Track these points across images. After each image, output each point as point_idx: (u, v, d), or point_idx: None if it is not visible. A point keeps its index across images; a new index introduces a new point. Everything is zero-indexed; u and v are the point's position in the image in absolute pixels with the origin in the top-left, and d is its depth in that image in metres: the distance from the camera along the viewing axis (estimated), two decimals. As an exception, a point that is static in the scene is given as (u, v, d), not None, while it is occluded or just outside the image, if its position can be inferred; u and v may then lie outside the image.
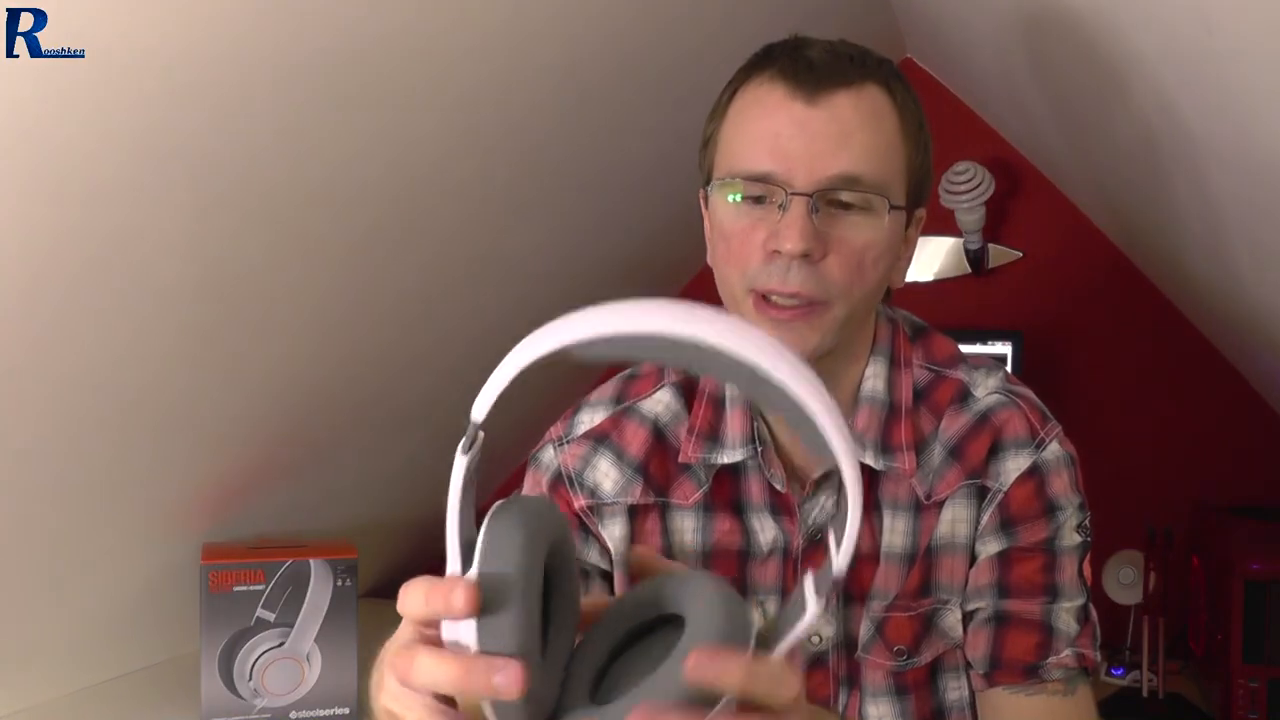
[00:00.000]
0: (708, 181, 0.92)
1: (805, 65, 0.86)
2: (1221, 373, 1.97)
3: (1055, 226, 2.03)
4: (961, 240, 2.01)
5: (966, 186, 1.89)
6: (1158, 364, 2.00)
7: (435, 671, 0.55)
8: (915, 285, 2.07)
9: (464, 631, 0.55)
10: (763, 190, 0.85)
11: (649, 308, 0.52)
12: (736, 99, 0.90)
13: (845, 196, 0.84)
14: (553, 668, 0.58)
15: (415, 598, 0.57)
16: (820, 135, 0.84)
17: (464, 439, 0.58)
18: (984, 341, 1.90)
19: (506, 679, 0.53)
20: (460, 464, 0.58)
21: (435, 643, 0.57)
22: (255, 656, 1.42)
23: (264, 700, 1.43)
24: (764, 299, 0.86)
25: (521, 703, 0.54)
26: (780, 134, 0.85)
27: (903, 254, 0.92)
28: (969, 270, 2.05)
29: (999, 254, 2.04)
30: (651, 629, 0.60)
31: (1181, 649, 1.85)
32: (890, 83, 0.88)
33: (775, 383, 0.51)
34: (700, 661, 0.53)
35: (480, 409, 0.57)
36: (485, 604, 0.55)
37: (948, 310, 2.03)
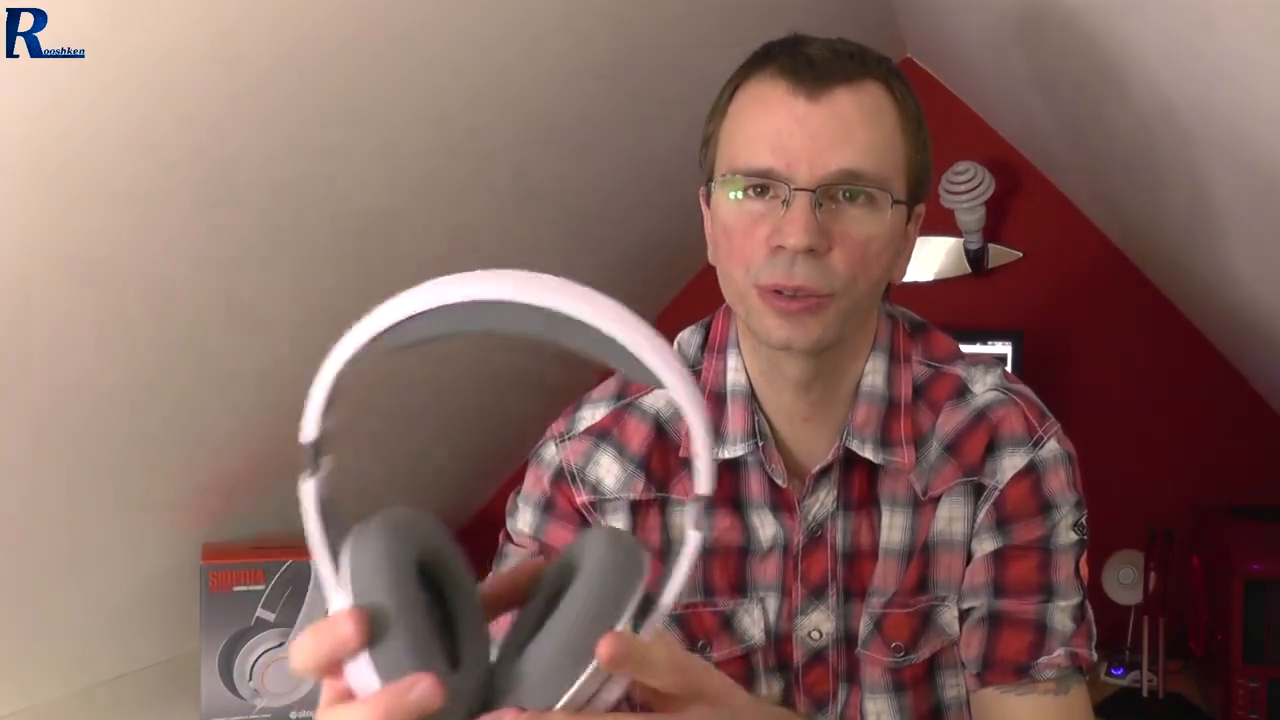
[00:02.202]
0: (709, 179, 0.92)
1: (805, 62, 0.86)
2: (1221, 373, 1.97)
3: (1055, 226, 2.03)
4: (961, 240, 2.01)
5: (966, 186, 1.89)
6: (1158, 364, 2.00)
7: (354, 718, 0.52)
8: (915, 285, 2.07)
9: (363, 673, 0.52)
10: (765, 186, 0.86)
11: (446, 282, 0.51)
12: (737, 97, 0.90)
13: (847, 190, 0.85)
14: (472, 667, 0.55)
15: (303, 645, 0.53)
16: (822, 131, 0.85)
17: (306, 465, 0.53)
18: (984, 341, 1.90)
19: (422, 692, 0.50)
20: (307, 492, 0.55)
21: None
22: (255, 656, 1.42)
23: (264, 700, 1.43)
24: (770, 291, 0.86)
25: (448, 711, 0.51)
26: (782, 130, 0.85)
27: (903, 249, 0.93)
28: (969, 270, 2.05)
29: (999, 254, 2.04)
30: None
31: (1181, 649, 1.85)
32: (890, 80, 0.89)
33: (580, 319, 0.51)
34: (613, 643, 0.52)
35: (308, 429, 0.54)
36: (372, 636, 0.52)
37: (948, 310, 2.03)
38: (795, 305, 0.86)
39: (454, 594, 0.57)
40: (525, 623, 0.58)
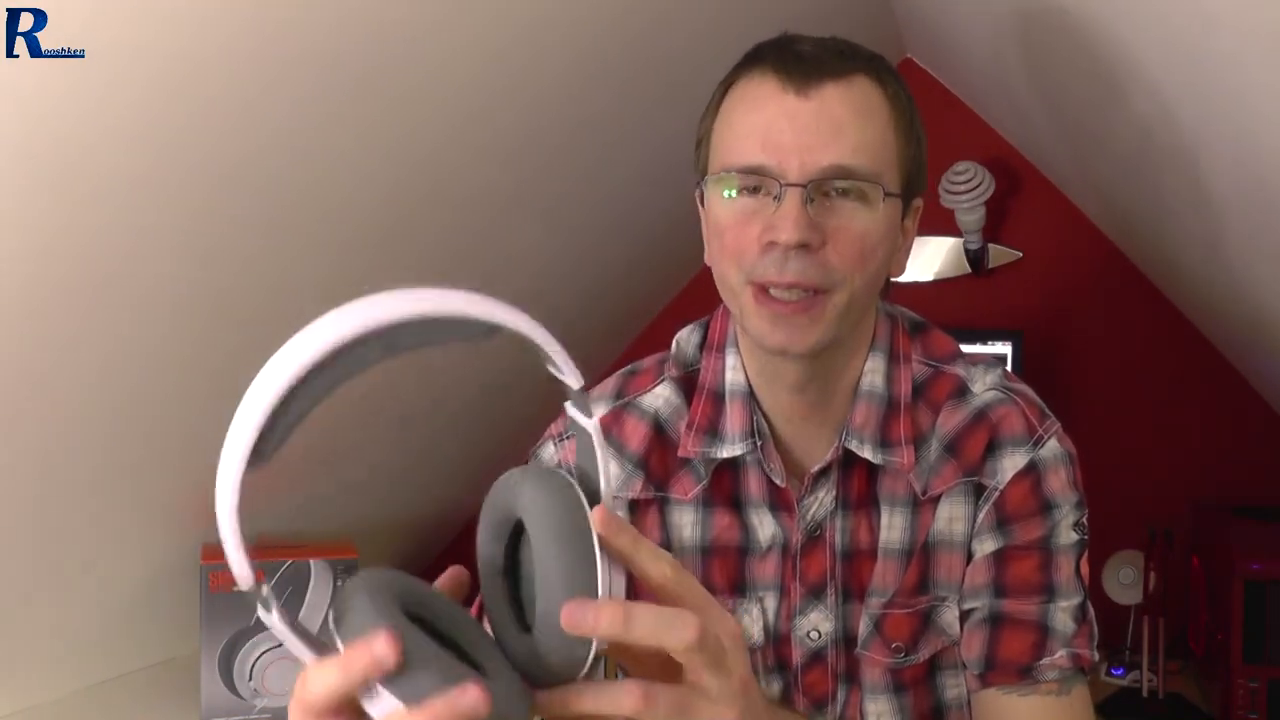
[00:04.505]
0: (703, 178, 0.92)
1: (795, 59, 0.86)
2: (1221, 373, 1.97)
3: (1055, 226, 2.03)
4: (961, 240, 2.01)
5: (966, 186, 1.89)
6: (1158, 364, 2.00)
7: None
8: (915, 285, 2.07)
9: (389, 703, 0.51)
10: (757, 183, 0.86)
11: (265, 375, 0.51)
12: (729, 95, 0.91)
13: (839, 185, 0.85)
14: (500, 674, 0.56)
15: (326, 671, 0.52)
16: (812, 127, 0.85)
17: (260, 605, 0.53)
18: (984, 341, 1.90)
19: (472, 699, 0.50)
20: (276, 624, 0.53)
21: None
22: (255, 656, 1.42)
23: (264, 700, 1.43)
24: (763, 291, 0.86)
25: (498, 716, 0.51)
26: (772, 126, 0.85)
27: (900, 244, 0.93)
28: (969, 270, 2.05)
29: (999, 254, 2.04)
30: (515, 542, 0.60)
31: (1181, 649, 1.85)
32: (881, 75, 0.89)
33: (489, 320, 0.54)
34: (573, 613, 0.54)
35: (242, 576, 0.52)
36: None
37: (948, 310, 2.03)
38: (789, 308, 0.86)
39: (448, 624, 0.57)
40: (498, 599, 0.59)
